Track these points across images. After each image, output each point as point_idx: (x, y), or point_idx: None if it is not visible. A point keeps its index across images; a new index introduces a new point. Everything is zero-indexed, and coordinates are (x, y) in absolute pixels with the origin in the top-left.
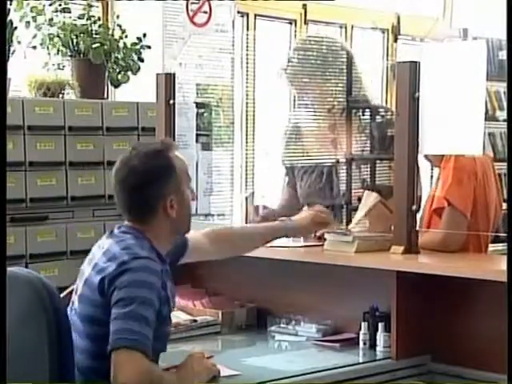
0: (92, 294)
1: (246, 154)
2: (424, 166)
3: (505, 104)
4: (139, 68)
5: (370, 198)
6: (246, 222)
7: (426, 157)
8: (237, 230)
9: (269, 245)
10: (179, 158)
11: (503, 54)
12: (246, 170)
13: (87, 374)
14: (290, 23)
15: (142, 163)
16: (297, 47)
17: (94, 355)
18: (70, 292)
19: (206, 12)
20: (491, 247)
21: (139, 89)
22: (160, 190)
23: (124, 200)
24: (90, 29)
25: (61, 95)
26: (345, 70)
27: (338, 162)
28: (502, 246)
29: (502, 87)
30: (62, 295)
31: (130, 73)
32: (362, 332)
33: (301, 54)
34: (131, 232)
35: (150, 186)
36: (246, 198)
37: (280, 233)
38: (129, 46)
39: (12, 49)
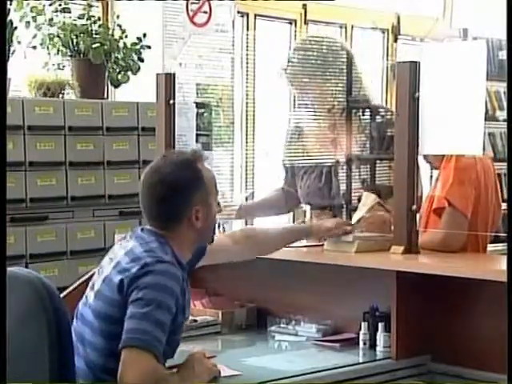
0: (111, 292)
1: (246, 154)
2: (424, 166)
3: (505, 104)
4: (139, 68)
5: (368, 199)
6: (246, 223)
7: (426, 158)
8: (263, 230)
9: None
10: (208, 170)
11: (503, 54)
12: (246, 170)
13: (98, 372)
14: (290, 23)
15: (173, 172)
16: (297, 47)
17: (106, 353)
18: (83, 283)
19: (205, 12)
20: (491, 247)
21: (139, 89)
22: (187, 201)
23: (150, 207)
24: (89, 29)
25: (61, 95)
26: (345, 70)
27: (337, 162)
28: (501, 246)
29: (501, 87)
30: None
31: (129, 73)
32: (361, 332)
33: (301, 54)
34: (155, 236)
35: (178, 195)
36: (246, 198)
37: (301, 234)
38: (129, 45)
39: (12, 49)
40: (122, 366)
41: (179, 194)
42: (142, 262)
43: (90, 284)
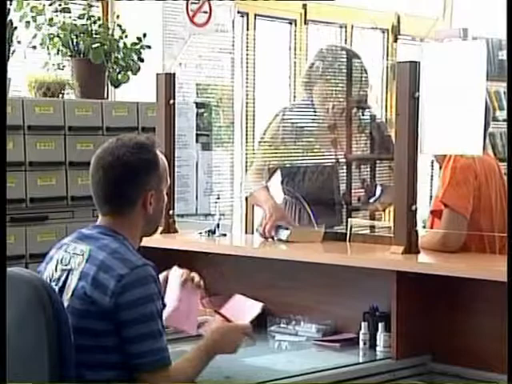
0: (85, 305)
1: (246, 153)
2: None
3: (505, 104)
4: (139, 68)
5: None
6: (246, 222)
7: (435, 158)
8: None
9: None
10: (162, 156)
11: (503, 54)
12: (246, 170)
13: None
14: (290, 23)
15: (129, 153)
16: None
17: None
18: None
19: (205, 12)
20: None
21: (139, 89)
22: (144, 183)
23: (106, 189)
24: (89, 29)
25: (61, 95)
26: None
27: (337, 161)
28: None
29: (501, 87)
30: None
31: (130, 73)
32: (362, 332)
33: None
34: (110, 234)
35: (136, 177)
36: (246, 198)
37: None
38: (129, 45)
39: (12, 49)
40: None
41: (136, 175)
42: (116, 275)
43: None
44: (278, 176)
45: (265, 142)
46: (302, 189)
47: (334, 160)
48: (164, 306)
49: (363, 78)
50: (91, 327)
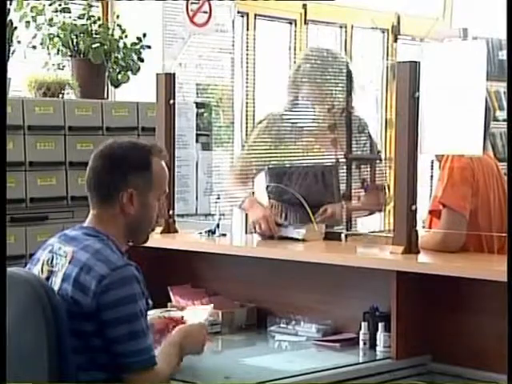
0: (69, 307)
1: None
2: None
3: (505, 104)
4: (139, 68)
5: None
6: (246, 222)
7: (436, 157)
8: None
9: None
10: (161, 167)
11: (503, 54)
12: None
13: None
14: (290, 23)
15: (118, 148)
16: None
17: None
18: None
19: (205, 12)
20: None
21: (139, 89)
22: (125, 179)
23: (91, 179)
24: (89, 29)
25: (61, 95)
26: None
27: (337, 161)
28: None
29: (501, 87)
30: None
31: (130, 73)
32: (362, 332)
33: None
34: (93, 234)
35: (117, 169)
36: (245, 198)
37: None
38: (129, 45)
39: (12, 49)
40: None
41: (116, 167)
42: (97, 275)
43: None
44: (262, 179)
45: (248, 145)
46: (295, 190)
47: (333, 160)
48: (148, 305)
49: (348, 79)
50: (76, 328)
